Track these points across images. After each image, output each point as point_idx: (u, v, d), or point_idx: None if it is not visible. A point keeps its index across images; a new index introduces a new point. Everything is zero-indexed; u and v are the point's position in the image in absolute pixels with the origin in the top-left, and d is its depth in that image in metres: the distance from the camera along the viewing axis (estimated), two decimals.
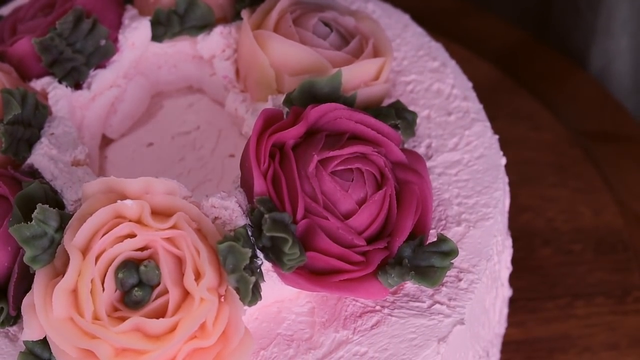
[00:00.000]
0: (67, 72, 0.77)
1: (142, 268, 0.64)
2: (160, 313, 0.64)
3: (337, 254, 0.67)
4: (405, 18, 0.85)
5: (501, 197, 0.75)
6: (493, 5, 1.18)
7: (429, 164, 0.75)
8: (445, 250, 0.68)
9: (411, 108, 0.77)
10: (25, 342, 0.66)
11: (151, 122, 0.83)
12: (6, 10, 0.88)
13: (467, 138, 0.77)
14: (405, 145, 0.76)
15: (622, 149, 1.04)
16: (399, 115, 0.74)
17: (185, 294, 0.64)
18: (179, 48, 0.81)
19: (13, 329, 0.69)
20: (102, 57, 0.79)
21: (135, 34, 0.79)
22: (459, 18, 1.14)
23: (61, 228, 0.66)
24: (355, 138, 0.70)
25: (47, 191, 0.69)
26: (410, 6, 0.88)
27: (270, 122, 0.70)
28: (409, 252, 0.69)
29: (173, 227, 0.65)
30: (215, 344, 0.64)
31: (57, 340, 0.63)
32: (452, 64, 0.82)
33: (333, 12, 0.78)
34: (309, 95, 0.72)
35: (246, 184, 0.69)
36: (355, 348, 0.68)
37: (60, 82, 0.77)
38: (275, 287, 0.69)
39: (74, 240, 0.64)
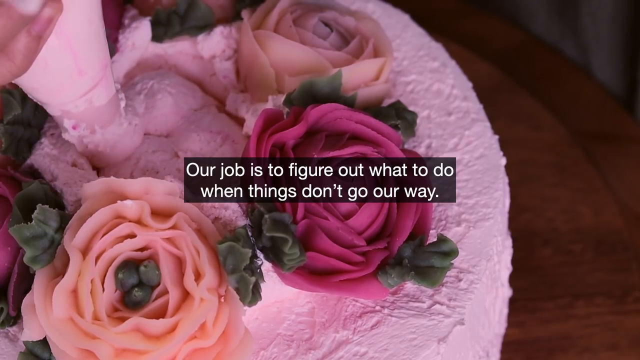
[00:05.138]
0: None
1: (142, 268, 0.64)
2: (160, 313, 0.64)
3: (337, 254, 0.67)
4: (405, 18, 0.85)
5: (501, 197, 0.75)
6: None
7: None
8: (445, 251, 0.68)
9: (411, 108, 0.77)
10: (25, 343, 0.66)
11: None
12: None
13: (467, 138, 0.77)
14: (405, 146, 0.75)
15: (622, 149, 1.04)
16: (399, 116, 0.74)
17: (185, 294, 0.64)
18: (179, 48, 0.81)
19: (13, 329, 0.69)
20: None
21: (136, 34, 0.79)
22: (459, 18, 1.14)
23: (61, 228, 0.66)
24: (356, 138, 0.70)
25: (47, 191, 0.69)
26: (410, 6, 0.88)
27: (270, 122, 0.70)
28: (409, 252, 0.69)
29: (173, 227, 0.65)
30: (215, 344, 0.64)
31: (57, 340, 0.63)
32: (452, 64, 0.82)
33: (333, 12, 0.78)
34: (309, 95, 0.72)
35: None
36: (355, 348, 0.68)
37: None
38: (275, 287, 0.69)
39: (74, 241, 0.64)
